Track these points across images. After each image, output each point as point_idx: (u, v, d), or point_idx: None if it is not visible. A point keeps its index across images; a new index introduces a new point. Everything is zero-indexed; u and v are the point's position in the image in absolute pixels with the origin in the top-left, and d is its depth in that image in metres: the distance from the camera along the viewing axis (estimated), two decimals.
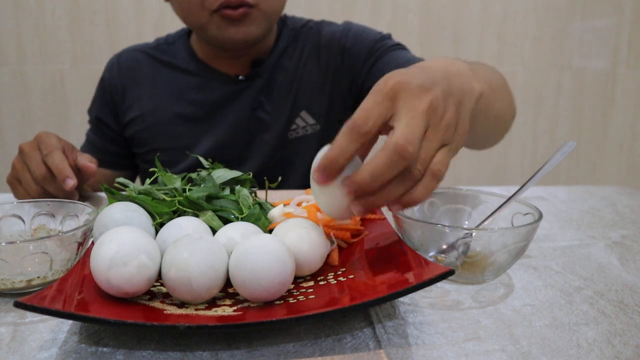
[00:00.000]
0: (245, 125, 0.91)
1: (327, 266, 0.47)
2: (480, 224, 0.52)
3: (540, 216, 0.47)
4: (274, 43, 0.93)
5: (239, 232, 0.44)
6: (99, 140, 0.97)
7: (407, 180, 0.41)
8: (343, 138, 0.40)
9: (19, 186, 0.68)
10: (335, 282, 0.43)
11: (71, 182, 0.63)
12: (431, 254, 0.48)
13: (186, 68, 0.93)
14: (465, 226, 0.55)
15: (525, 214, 0.50)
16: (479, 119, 0.61)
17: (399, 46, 0.91)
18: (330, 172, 0.41)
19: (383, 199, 0.41)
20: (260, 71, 0.91)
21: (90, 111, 0.99)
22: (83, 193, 0.75)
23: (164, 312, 0.38)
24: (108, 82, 0.96)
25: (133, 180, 1.04)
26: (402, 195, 0.42)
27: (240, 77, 0.91)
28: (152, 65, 0.95)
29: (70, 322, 0.39)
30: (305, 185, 0.93)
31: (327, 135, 0.94)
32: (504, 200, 0.52)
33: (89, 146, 0.97)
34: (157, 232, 0.47)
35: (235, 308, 0.39)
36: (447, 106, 0.43)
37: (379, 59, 0.89)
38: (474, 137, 0.74)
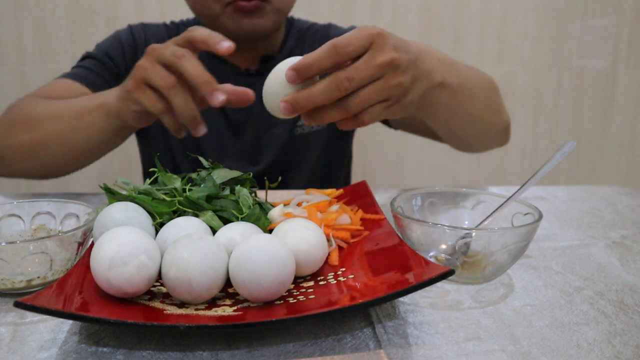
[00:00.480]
0: (254, 119, 0.91)
1: (327, 266, 0.47)
2: (480, 223, 0.52)
3: (540, 216, 0.47)
4: (283, 41, 0.94)
5: (239, 232, 0.44)
6: (105, 72, 0.88)
7: (341, 109, 0.48)
8: (322, 50, 0.47)
9: (146, 91, 0.58)
10: (335, 282, 0.43)
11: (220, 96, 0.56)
12: (431, 254, 0.48)
13: (202, 57, 0.93)
14: (465, 226, 0.55)
15: (525, 214, 0.50)
16: (442, 109, 0.65)
17: None
18: (301, 75, 0.47)
19: (322, 119, 0.49)
20: (270, 66, 0.91)
21: (97, 48, 0.92)
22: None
23: (164, 312, 0.38)
24: (136, 38, 0.93)
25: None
26: (337, 120, 0.50)
27: (252, 71, 0.92)
28: None
29: (70, 322, 0.39)
30: (310, 185, 0.95)
31: (332, 133, 0.95)
32: (504, 200, 0.52)
33: (87, 75, 0.86)
34: (157, 232, 0.47)
35: (235, 308, 0.39)
36: (405, 72, 0.50)
37: None
38: (442, 127, 0.76)
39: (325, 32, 0.98)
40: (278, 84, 0.49)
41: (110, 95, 0.67)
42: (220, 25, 0.85)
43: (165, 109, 0.58)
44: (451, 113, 0.67)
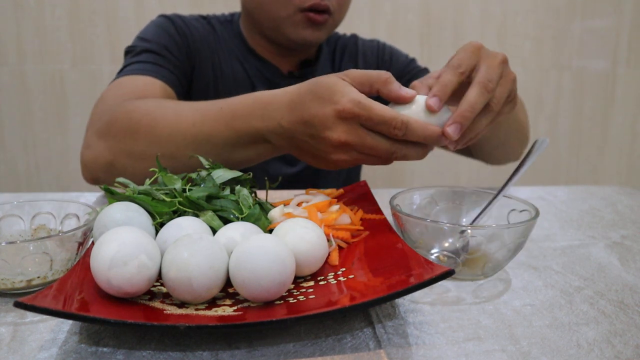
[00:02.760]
0: None
1: (327, 266, 0.47)
2: (473, 220, 0.52)
3: (537, 213, 0.48)
4: (318, 47, 1.00)
5: (239, 232, 0.44)
6: (169, 65, 0.84)
7: (488, 113, 0.51)
8: (448, 74, 0.51)
9: (349, 152, 0.52)
10: (335, 282, 0.43)
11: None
12: (432, 251, 0.48)
13: (243, 56, 0.95)
14: (463, 223, 0.55)
15: (522, 211, 0.51)
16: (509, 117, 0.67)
17: (427, 70, 1.02)
18: (443, 98, 0.50)
19: (476, 130, 0.51)
20: (313, 71, 0.97)
21: (146, 42, 0.86)
22: None
23: (164, 312, 0.38)
24: (183, 31, 0.90)
25: None
26: (485, 127, 0.52)
27: (295, 73, 0.96)
28: (217, 44, 0.95)
29: (70, 322, 0.39)
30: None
31: None
32: (500, 196, 0.53)
33: (161, 72, 0.81)
34: (157, 232, 0.47)
35: (235, 308, 0.40)
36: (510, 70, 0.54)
37: (409, 81, 1.01)
38: (499, 133, 0.82)
39: (354, 42, 1.04)
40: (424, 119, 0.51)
41: (267, 125, 0.57)
42: (280, 28, 0.87)
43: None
44: (512, 120, 0.74)
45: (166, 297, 0.41)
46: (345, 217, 0.52)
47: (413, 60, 1.04)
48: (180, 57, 0.87)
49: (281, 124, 0.55)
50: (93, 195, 0.75)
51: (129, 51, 0.86)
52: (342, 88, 0.50)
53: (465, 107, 0.49)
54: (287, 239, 0.44)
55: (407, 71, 1.02)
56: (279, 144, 0.57)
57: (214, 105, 0.62)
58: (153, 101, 0.69)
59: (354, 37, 1.05)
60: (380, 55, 1.03)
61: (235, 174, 0.54)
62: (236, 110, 0.60)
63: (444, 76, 0.51)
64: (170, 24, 0.90)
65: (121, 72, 0.81)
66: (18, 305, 0.33)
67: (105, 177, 0.68)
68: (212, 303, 0.41)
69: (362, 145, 0.50)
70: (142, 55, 0.83)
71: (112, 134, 0.66)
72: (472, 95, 0.50)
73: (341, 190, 0.61)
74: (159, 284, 0.43)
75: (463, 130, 0.50)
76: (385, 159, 0.52)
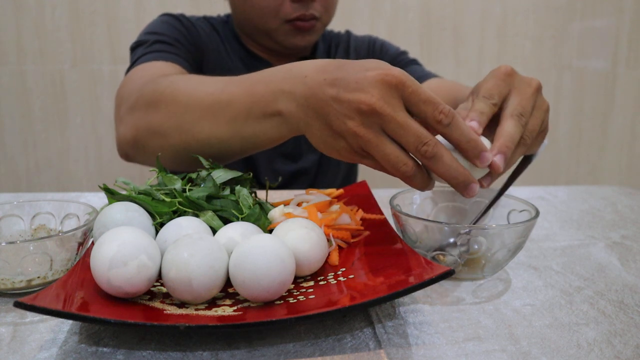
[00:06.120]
0: None
1: (327, 266, 0.47)
2: (474, 220, 0.52)
3: (537, 213, 0.48)
4: (314, 45, 1.02)
5: (239, 232, 0.44)
6: (183, 54, 0.85)
7: (520, 147, 0.49)
8: (480, 103, 0.48)
9: (369, 160, 0.48)
10: (335, 282, 0.43)
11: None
12: (432, 251, 0.48)
13: (243, 56, 0.97)
14: (463, 223, 0.55)
15: (521, 211, 0.51)
16: None
17: (415, 61, 1.04)
18: (482, 125, 0.47)
19: (510, 164, 0.49)
20: None
21: (156, 35, 0.86)
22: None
23: (164, 312, 0.38)
24: (189, 27, 0.91)
25: None
26: (515, 161, 0.50)
27: None
28: (221, 43, 0.96)
29: (70, 322, 0.39)
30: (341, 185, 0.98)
31: None
32: (500, 197, 0.52)
33: (176, 59, 0.81)
34: (157, 232, 0.47)
35: (235, 308, 0.40)
36: (543, 99, 0.52)
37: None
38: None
39: (346, 38, 1.07)
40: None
41: (287, 103, 0.51)
42: (271, 37, 0.91)
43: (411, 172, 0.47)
44: None
45: (166, 297, 0.41)
46: (345, 217, 0.52)
47: (403, 53, 1.06)
48: (191, 50, 0.89)
49: (305, 82, 0.48)
50: (93, 195, 0.75)
51: (138, 45, 0.84)
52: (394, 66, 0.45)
53: (506, 138, 0.46)
54: (287, 239, 0.44)
55: (396, 63, 1.03)
56: (291, 112, 0.51)
57: (241, 76, 0.59)
58: (181, 75, 0.68)
59: (347, 34, 1.08)
60: (370, 48, 1.06)
61: (236, 174, 0.54)
62: (262, 75, 0.56)
63: (478, 105, 0.48)
64: (177, 21, 0.91)
65: (136, 62, 0.79)
66: (18, 305, 0.33)
67: (133, 153, 0.67)
68: (212, 303, 0.41)
69: (391, 121, 0.43)
70: (156, 45, 0.83)
71: (138, 107, 0.64)
72: (510, 127, 0.47)
73: (341, 190, 0.61)
74: (159, 284, 0.43)
75: (507, 161, 0.46)
76: (393, 161, 0.45)
